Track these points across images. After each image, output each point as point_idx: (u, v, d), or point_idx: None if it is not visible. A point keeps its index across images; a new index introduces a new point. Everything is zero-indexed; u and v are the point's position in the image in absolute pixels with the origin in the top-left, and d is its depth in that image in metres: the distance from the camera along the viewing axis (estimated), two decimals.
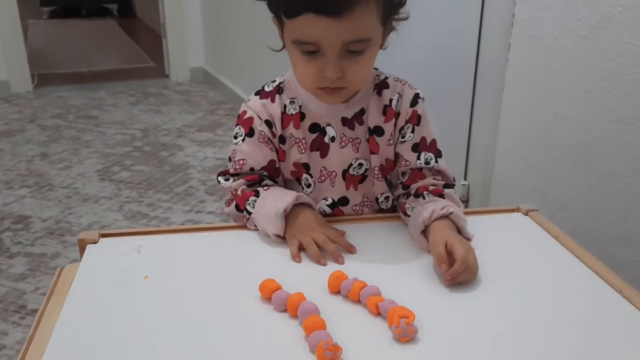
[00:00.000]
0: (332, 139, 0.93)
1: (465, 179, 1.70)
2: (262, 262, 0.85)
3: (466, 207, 1.65)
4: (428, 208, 0.87)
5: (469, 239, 0.87)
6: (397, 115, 0.93)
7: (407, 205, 0.93)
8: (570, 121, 1.31)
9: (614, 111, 1.22)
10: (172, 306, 0.75)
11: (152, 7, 4.49)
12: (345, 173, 0.95)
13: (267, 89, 0.95)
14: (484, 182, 1.60)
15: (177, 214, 2.21)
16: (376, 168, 0.94)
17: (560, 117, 1.34)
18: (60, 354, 0.67)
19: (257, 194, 0.91)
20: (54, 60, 4.49)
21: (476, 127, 1.64)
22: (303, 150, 0.93)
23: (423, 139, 0.93)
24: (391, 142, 0.94)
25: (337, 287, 0.77)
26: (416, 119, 0.93)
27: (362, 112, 0.93)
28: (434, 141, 0.94)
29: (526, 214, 0.99)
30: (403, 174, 0.95)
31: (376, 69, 0.94)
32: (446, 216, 0.86)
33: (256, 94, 0.95)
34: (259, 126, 0.92)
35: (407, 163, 0.94)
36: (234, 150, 0.95)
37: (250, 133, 0.93)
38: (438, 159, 0.94)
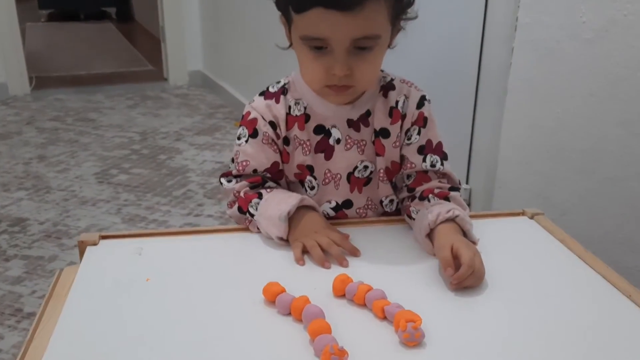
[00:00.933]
0: (338, 140, 0.92)
1: (467, 184, 1.69)
2: (266, 265, 0.84)
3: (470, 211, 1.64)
4: (433, 211, 0.86)
5: (474, 243, 0.86)
6: (404, 117, 0.92)
7: (412, 208, 0.91)
8: (574, 125, 1.31)
9: (617, 115, 1.22)
10: (174, 309, 0.73)
11: (151, 11, 4.49)
12: (350, 176, 0.94)
13: (271, 89, 0.94)
14: (486, 187, 1.60)
15: (175, 217, 2.20)
16: (381, 170, 0.93)
17: (563, 121, 1.33)
18: (59, 356, 0.65)
19: (260, 196, 0.90)
20: (52, 63, 4.47)
21: (478, 132, 1.63)
22: (307, 152, 0.92)
23: (429, 141, 0.93)
24: (397, 144, 0.93)
25: (342, 291, 0.76)
26: (422, 121, 0.92)
27: (368, 113, 0.92)
28: (439, 144, 0.93)
29: (531, 218, 0.98)
30: (408, 176, 0.94)
31: (382, 70, 0.93)
32: (452, 219, 0.85)
33: (260, 94, 0.94)
34: (263, 127, 0.91)
35: (413, 165, 0.93)
36: (237, 151, 0.93)
37: (254, 134, 0.92)
38: (444, 162, 0.93)
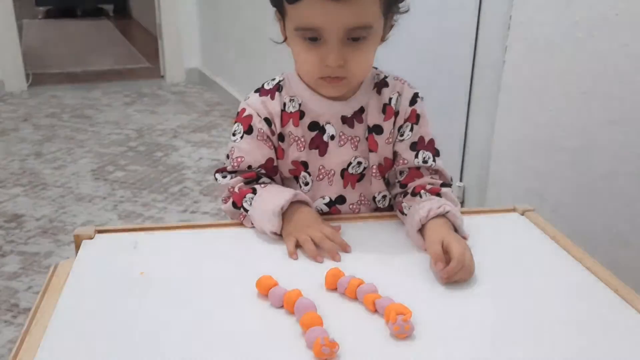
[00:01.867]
0: (332, 137, 0.93)
1: (461, 181, 1.70)
2: (259, 259, 0.85)
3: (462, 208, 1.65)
4: (425, 206, 0.87)
5: (465, 238, 0.87)
6: (397, 114, 0.93)
7: (403, 204, 0.92)
8: (567, 123, 1.32)
9: (610, 113, 1.23)
10: (168, 302, 0.74)
11: (148, 8, 4.48)
12: (344, 172, 0.95)
13: (266, 86, 0.95)
14: (480, 184, 1.61)
15: (171, 214, 2.21)
16: (374, 167, 0.94)
17: (556, 119, 1.34)
18: (54, 349, 0.66)
19: (254, 192, 0.91)
20: (49, 60, 4.47)
21: (472, 129, 1.64)
22: (302, 149, 0.93)
23: (421, 138, 0.94)
24: (390, 140, 0.94)
25: (334, 285, 0.77)
26: (415, 118, 0.93)
27: (362, 110, 0.93)
28: (432, 140, 0.94)
29: (522, 214, 0.99)
30: (401, 172, 0.95)
31: (375, 68, 0.94)
32: (443, 215, 0.86)
33: (256, 91, 0.95)
34: (258, 124, 0.92)
35: (405, 162, 0.94)
36: (232, 147, 0.94)
37: (248, 130, 0.93)
38: (436, 158, 0.94)
